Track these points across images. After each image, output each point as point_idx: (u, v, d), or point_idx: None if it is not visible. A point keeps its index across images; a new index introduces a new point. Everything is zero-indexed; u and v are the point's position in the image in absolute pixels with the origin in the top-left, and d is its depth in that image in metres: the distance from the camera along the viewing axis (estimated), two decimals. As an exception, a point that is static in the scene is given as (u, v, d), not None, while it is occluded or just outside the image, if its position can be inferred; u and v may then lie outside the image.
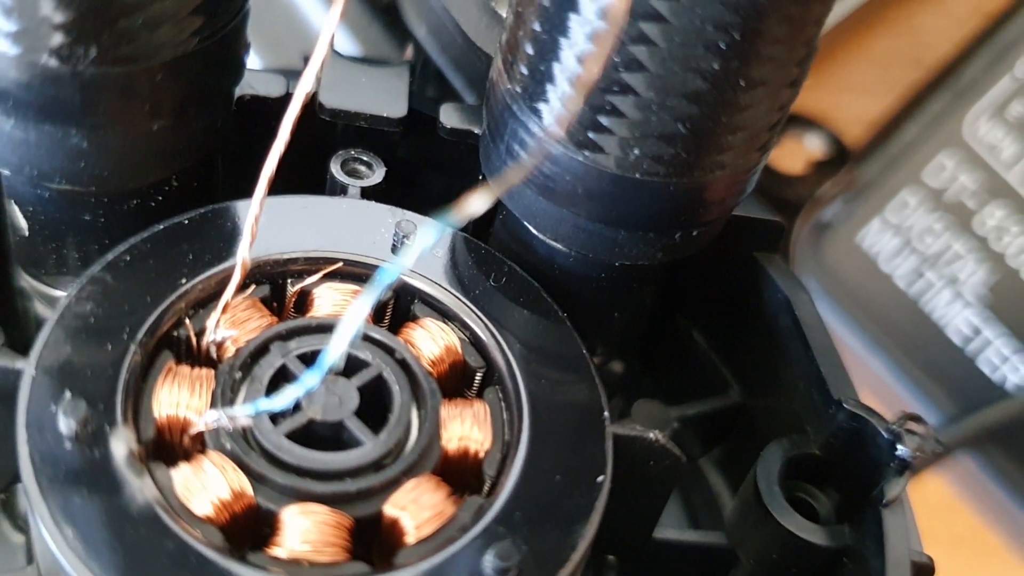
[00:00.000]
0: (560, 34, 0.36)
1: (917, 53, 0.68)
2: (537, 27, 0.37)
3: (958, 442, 0.57)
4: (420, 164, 0.47)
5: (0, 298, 0.44)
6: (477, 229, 0.44)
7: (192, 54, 0.37)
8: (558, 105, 0.37)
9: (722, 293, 0.47)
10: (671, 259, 0.41)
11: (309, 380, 0.33)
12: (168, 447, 0.36)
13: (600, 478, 0.37)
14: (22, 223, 0.41)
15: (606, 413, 0.38)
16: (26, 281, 0.43)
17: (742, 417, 0.48)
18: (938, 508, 0.66)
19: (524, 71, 0.38)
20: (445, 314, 0.40)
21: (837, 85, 0.68)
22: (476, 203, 0.31)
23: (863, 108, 0.66)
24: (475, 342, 0.40)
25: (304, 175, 0.44)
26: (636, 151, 0.37)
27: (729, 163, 0.38)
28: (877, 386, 0.61)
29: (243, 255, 0.36)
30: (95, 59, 0.35)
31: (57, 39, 0.34)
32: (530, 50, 0.37)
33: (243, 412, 0.35)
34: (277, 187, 0.38)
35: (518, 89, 0.38)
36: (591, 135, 0.37)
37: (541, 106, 0.38)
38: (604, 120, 0.36)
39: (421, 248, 0.31)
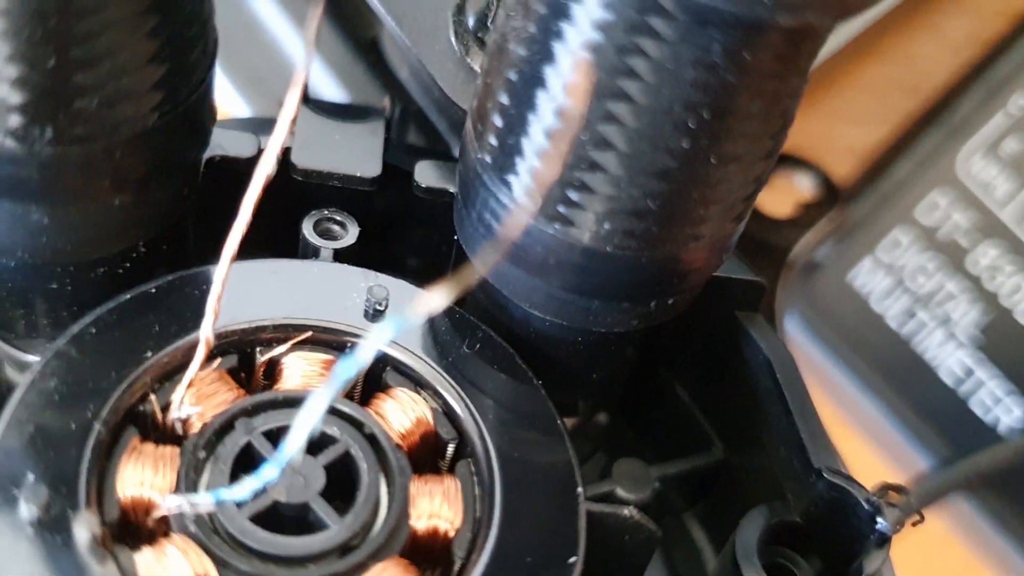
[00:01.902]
0: (528, 109, 0.35)
1: (913, 81, 0.67)
2: (505, 100, 0.36)
3: (951, 486, 0.56)
4: (398, 217, 0.46)
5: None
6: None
7: (153, 129, 0.36)
8: (527, 179, 0.36)
9: (703, 351, 0.46)
10: (647, 325, 0.40)
11: (268, 472, 0.33)
12: (133, 528, 0.36)
13: (572, 559, 0.36)
14: (-10, 290, 0.40)
15: (580, 489, 0.38)
16: (-4, 345, 0.43)
17: (725, 473, 0.47)
18: (933, 545, 0.65)
19: (493, 142, 0.37)
20: (418, 382, 0.40)
21: (831, 115, 0.67)
22: (439, 299, 0.30)
23: (857, 139, 0.65)
24: (448, 412, 0.39)
25: (278, 234, 0.43)
26: (607, 225, 0.36)
27: (704, 234, 0.37)
28: (869, 427, 0.60)
29: (206, 334, 0.36)
30: (52, 139, 0.34)
31: (13, 120, 0.33)
32: (499, 122, 0.36)
33: (204, 500, 0.34)
34: (250, 247, 0.38)
35: (488, 159, 0.37)
36: (561, 209, 0.36)
37: (511, 178, 0.37)
38: (574, 195, 0.36)
39: (377, 345, 0.30)
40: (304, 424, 0.31)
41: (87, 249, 0.38)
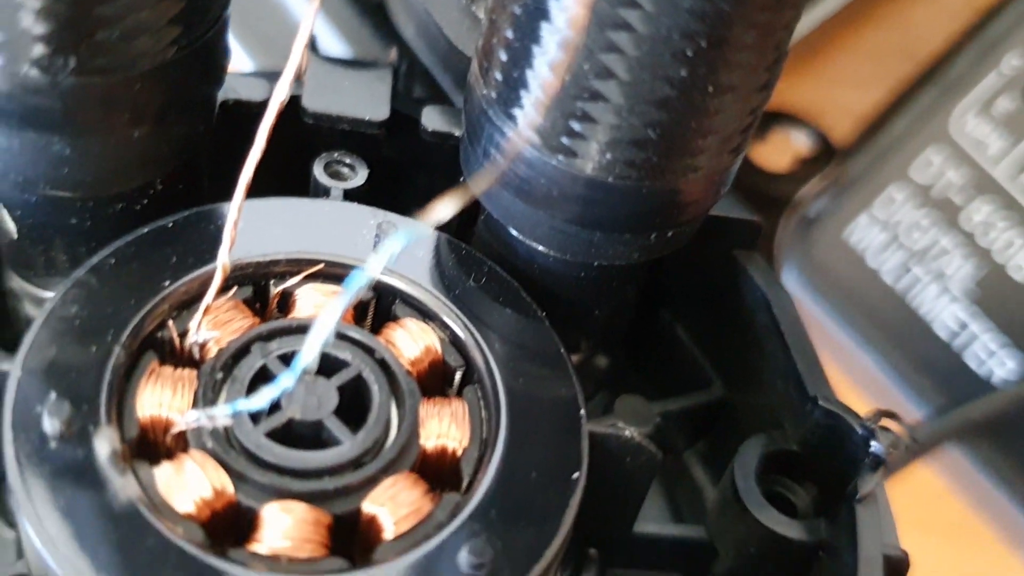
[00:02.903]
0: (532, 42, 0.36)
1: (908, 46, 0.68)
2: (510, 34, 0.37)
3: (945, 435, 0.57)
4: (405, 164, 0.48)
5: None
6: (461, 228, 0.45)
7: (170, 63, 0.37)
8: (532, 111, 0.38)
9: (703, 290, 0.48)
10: (648, 259, 0.42)
11: (285, 381, 0.34)
12: (151, 446, 0.37)
13: (575, 475, 0.37)
14: (11, 226, 0.42)
15: (583, 411, 0.39)
16: (16, 282, 0.44)
17: (725, 411, 0.48)
18: (930, 498, 0.66)
19: (498, 77, 0.38)
20: (425, 314, 0.41)
21: (828, 78, 0.69)
22: (444, 209, 0.31)
23: (854, 101, 0.67)
24: (455, 341, 0.40)
25: (290, 177, 0.45)
26: (609, 155, 0.37)
27: (702, 166, 0.39)
28: (865, 381, 0.61)
29: (223, 260, 0.37)
30: (74, 70, 0.35)
31: (37, 50, 0.35)
32: (504, 56, 0.38)
33: (222, 412, 0.35)
34: (263, 189, 0.39)
35: (493, 95, 0.39)
36: (564, 140, 0.38)
37: (516, 111, 0.38)
38: (576, 126, 0.37)
39: (390, 254, 0.32)
40: (321, 331, 0.32)
41: (107, 182, 0.40)
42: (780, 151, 0.61)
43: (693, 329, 0.49)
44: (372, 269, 0.32)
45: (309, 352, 0.33)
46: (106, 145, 0.38)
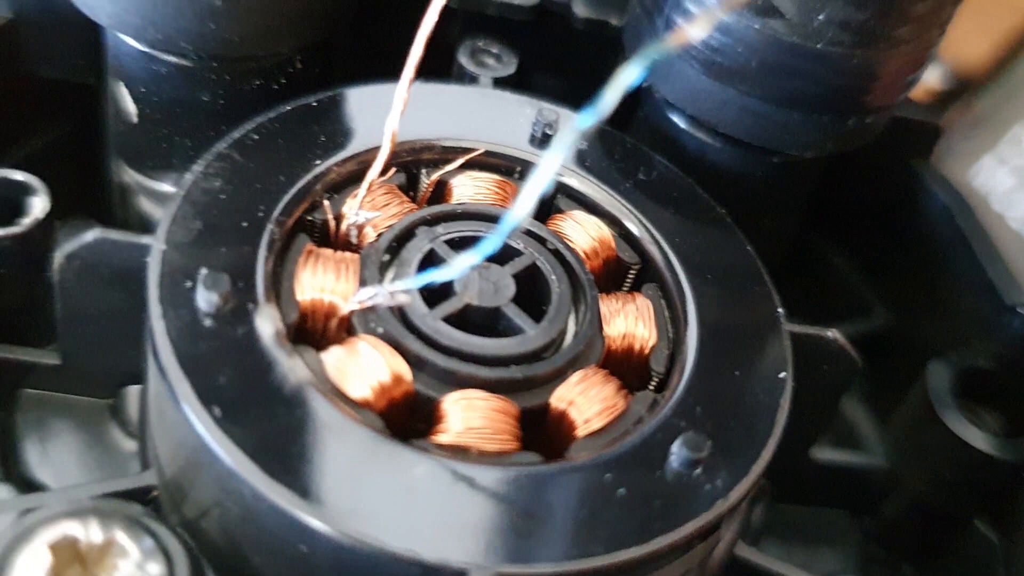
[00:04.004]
0: None
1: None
2: None
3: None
4: (542, 69, 0.44)
5: (98, 194, 0.41)
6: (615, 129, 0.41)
7: None
8: (736, -34, 0.34)
9: (870, 207, 0.44)
10: (840, 150, 0.38)
11: (488, 246, 0.30)
12: (310, 333, 0.33)
13: (782, 374, 0.33)
14: (131, 107, 0.38)
15: (780, 309, 0.35)
16: (129, 175, 0.40)
17: (886, 342, 0.44)
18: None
19: (695, -68, 0.35)
20: (592, 209, 0.37)
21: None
22: (694, 30, 0.27)
23: (975, 46, 0.63)
24: (627, 237, 0.37)
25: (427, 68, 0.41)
26: (821, 16, 0.34)
27: (912, 37, 0.35)
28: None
29: (392, 125, 0.33)
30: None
31: None
32: (705, -93, 0.34)
33: (405, 286, 0.31)
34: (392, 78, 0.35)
35: (686, -47, 0.35)
36: None
37: (714, -31, 0.35)
38: (789, -20, 0.33)
39: (623, 87, 0.27)
40: (547, 170, 0.28)
41: (252, 43, 0.35)
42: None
43: (855, 253, 0.45)
44: (609, 101, 0.27)
45: (527, 200, 0.28)
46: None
